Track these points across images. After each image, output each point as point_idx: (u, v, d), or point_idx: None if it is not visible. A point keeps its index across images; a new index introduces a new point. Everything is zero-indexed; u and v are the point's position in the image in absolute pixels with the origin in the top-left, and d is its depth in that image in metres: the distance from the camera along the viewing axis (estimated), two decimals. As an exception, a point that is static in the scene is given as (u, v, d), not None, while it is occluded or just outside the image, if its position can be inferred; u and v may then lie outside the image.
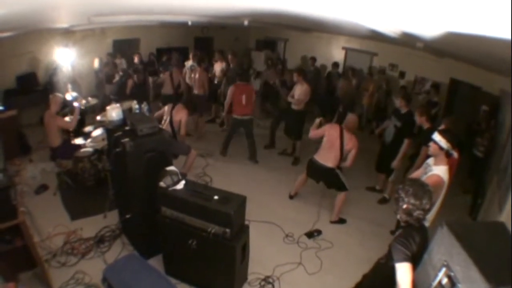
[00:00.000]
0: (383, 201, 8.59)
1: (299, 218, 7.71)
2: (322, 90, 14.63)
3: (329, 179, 7.48)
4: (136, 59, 13.73)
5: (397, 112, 8.09)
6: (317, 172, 7.53)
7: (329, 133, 7.23)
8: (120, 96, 11.22)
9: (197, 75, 11.42)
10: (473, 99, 11.01)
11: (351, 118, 7.34)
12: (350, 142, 7.03)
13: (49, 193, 7.94)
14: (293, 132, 10.27)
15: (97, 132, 8.50)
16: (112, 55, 14.15)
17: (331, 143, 7.15)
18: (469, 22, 3.22)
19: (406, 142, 7.59)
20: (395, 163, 7.83)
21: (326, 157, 7.23)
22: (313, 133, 7.44)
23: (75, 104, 8.65)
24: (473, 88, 11.03)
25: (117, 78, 12.34)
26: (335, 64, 14.97)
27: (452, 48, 7.04)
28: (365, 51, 15.00)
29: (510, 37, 2.75)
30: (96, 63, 13.67)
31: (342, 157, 7.15)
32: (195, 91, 11.44)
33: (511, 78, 6.91)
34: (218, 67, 12.84)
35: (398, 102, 8.08)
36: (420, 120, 7.17)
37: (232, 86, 9.86)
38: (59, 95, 8.07)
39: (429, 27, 4.77)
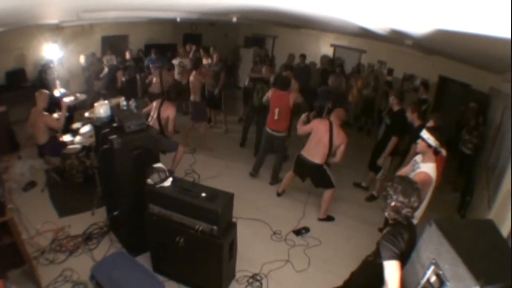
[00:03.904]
0: (371, 198, 8.65)
1: (287, 215, 7.74)
2: (313, 87, 14.66)
3: (316, 176, 7.49)
4: (127, 55, 13.65)
5: (390, 111, 8.13)
6: (304, 168, 7.53)
7: (317, 128, 7.23)
8: (110, 90, 11.16)
9: (191, 78, 10.60)
10: (463, 96, 11.03)
11: (338, 110, 7.34)
12: (339, 137, 7.01)
13: (37, 190, 7.90)
14: None
15: (85, 128, 8.45)
16: (95, 55, 14.08)
17: (319, 138, 7.14)
18: (459, 19, 3.22)
19: (393, 139, 7.64)
20: (380, 161, 7.90)
21: (314, 153, 7.25)
22: (301, 129, 7.43)
23: (65, 100, 8.61)
24: (463, 86, 11.08)
25: (105, 71, 12.28)
26: (330, 62, 15.09)
27: (442, 46, 7.05)
28: (353, 48, 15.10)
29: (507, 35, 2.74)
30: (82, 60, 13.60)
31: (331, 152, 7.15)
32: (191, 98, 10.69)
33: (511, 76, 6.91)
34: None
35: (391, 100, 8.09)
36: (412, 117, 7.18)
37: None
38: (46, 91, 8.00)
39: (418, 25, 4.77)
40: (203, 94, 10.83)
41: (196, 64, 10.50)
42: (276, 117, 8.44)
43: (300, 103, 8.91)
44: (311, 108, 11.25)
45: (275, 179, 9.13)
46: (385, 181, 5.98)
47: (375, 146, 8.54)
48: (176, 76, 12.59)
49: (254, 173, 9.43)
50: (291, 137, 9.80)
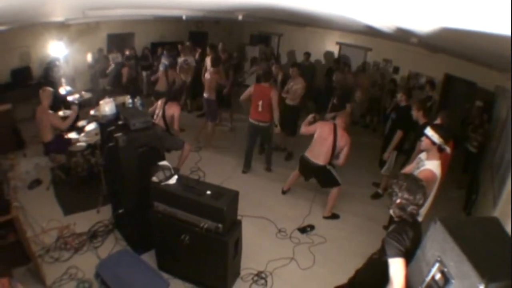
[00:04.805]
0: (376, 196, 8.63)
1: (292, 213, 7.74)
2: (318, 85, 14.64)
3: (322, 177, 7.51)
4: (127, 53, 13.61)
5: (396, 106, 8.16)
6: (308, 169, 7.55)
7: (321, 129, 7.23)
8: (116, 86, 11.14)
9: (207, 76, 10.52)
10: (468, 94, 11.01)
11: (344, 114, 7.36)
12: (343, 139, 7.02)
13: (43, 187, 7.93)
14: (287, 127, 9.99)
15: (91, 126, 8.43)
16: (102, 51, 14.16)
17: (323, 139, 7.15)
18: (464, 17, 3.20)
19: (398, 133, 7.66)
20: (386, 155, 7.90)
21: (317, 154, 7.25)
22: (305, 129, 7.42)
23: (73, 103, 8.64)
24: (468, 84, 11.04)
25: (111, 67, 12.29)
26: (336, 61, 15.04)
27: (447, 44, 7.03)
28: (359, 46, 15.07)
29: (507, 33, 2.73)
30: (89, 58, 13.60)
31: (334, 154, 7.16)
32: (205, 95, 10.66)
33: (511, 74, 6.89)
34: (209, 61, 12.62)
35: (399, 96, 8.10)
36: (417, 114, 7.15)
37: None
38: (49, 88, 7.98)
39: (424, 23, 4.75)
40: (217, 92, 10.75)
41: (216, 62, 10.46)
42: (260, 109, 8.60)
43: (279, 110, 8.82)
44: (317, 109, 11.23)
45: (270, 163, 9.48)
46: (390, 179, 5.96)
47: (382, 142, 8.55)
48: (180, 75, 12.53)
49: (246, 170, 9.49)
50: (296, 136, 9.79)
